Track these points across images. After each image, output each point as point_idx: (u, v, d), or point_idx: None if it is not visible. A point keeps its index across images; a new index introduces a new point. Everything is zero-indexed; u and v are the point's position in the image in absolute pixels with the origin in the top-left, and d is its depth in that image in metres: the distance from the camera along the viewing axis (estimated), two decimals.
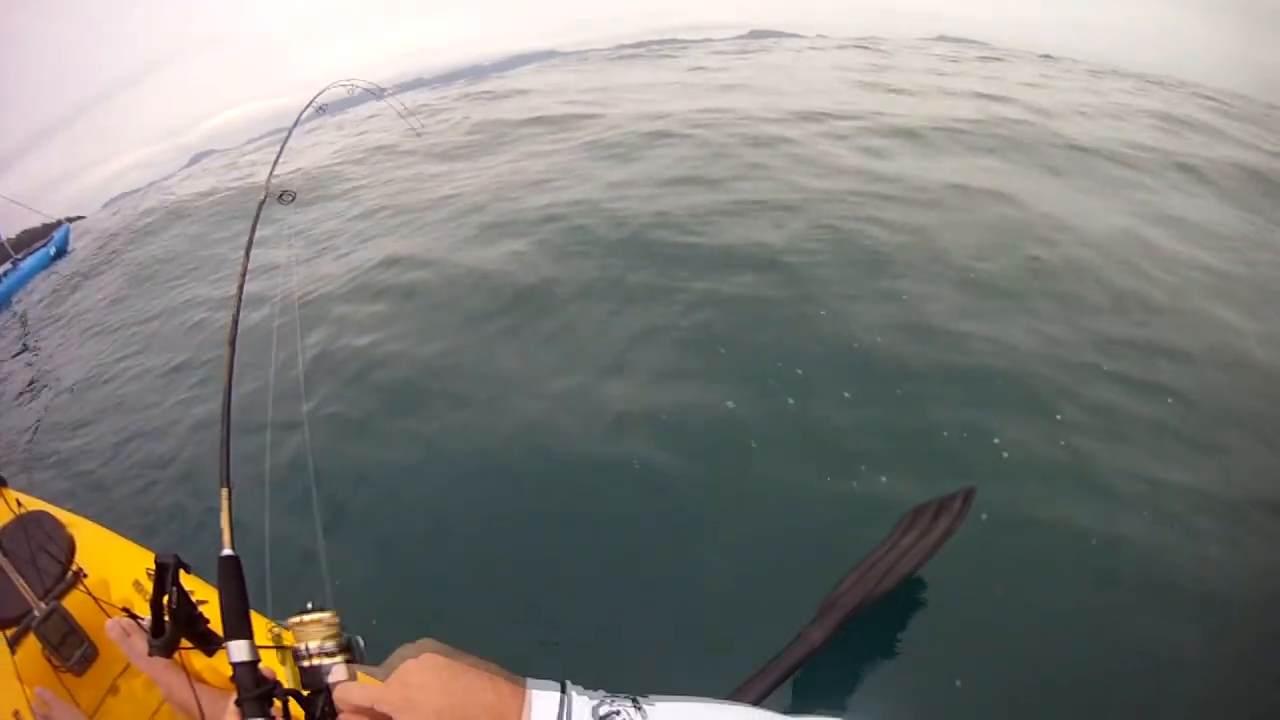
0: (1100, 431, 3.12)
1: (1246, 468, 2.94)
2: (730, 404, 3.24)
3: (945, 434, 3.08)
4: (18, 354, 5.71)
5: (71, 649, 1.79)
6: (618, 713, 0.59)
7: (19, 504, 2.41)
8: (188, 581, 1.78)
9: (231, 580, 1.08)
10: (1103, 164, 7.12)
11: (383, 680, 0.68)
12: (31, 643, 1.79)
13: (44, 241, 7.95)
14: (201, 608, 1.83)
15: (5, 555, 2.10)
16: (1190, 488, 2.82)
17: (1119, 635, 2.30)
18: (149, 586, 1.58)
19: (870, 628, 2.21)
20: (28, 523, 2.25)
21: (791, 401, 3.24)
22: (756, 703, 1.72)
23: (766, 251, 4.67)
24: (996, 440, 3.04)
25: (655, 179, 6.39)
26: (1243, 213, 6.21)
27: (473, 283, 4.68)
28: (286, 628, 0.83)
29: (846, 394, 3.27)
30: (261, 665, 0.88)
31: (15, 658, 1.76)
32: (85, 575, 2.03)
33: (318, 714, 0.79)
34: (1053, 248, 4.83)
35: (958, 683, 2.15)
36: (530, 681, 0.63)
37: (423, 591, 2.58)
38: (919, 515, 2.42)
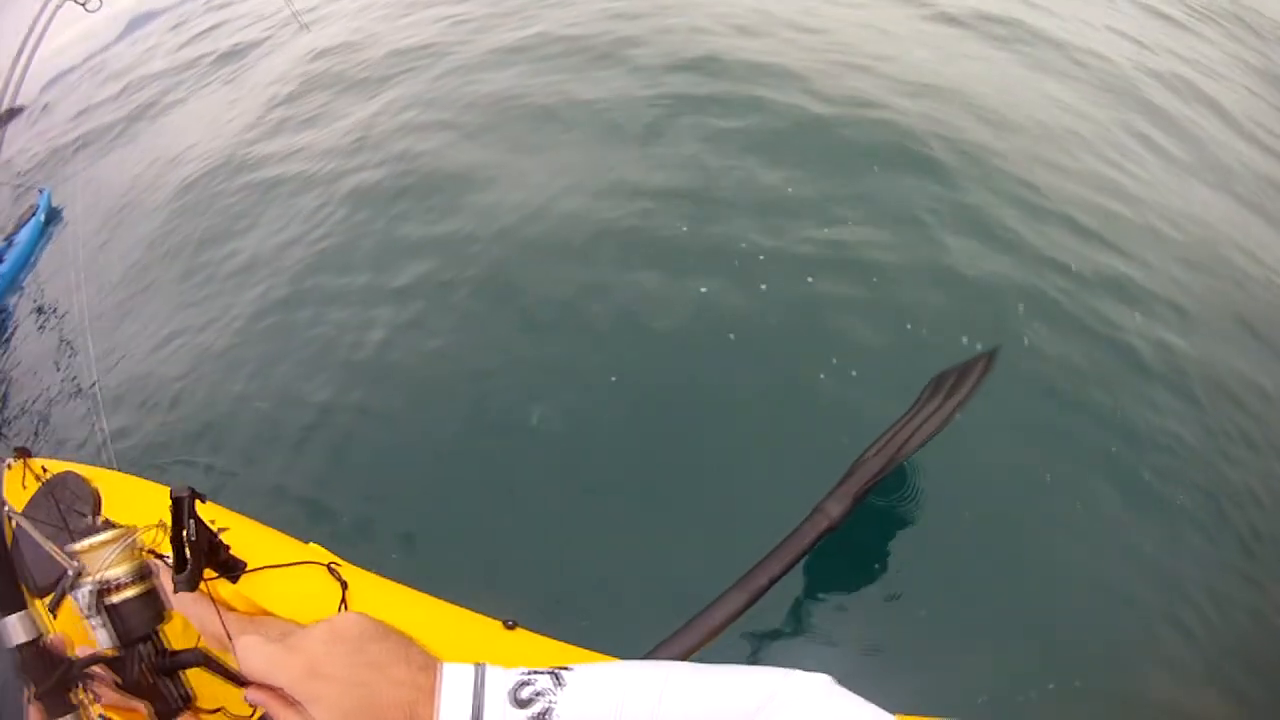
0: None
1: None
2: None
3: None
4: (39, 326, 5.78)
5: None
6: (540, 693, 0.53)
7: (44, 470, 2.40)
8: (207, 511, 1.66)
9: None
10: None
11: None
12: (70, 605, 1.77)
13: (31, 211, 7.67)
14: (222, 535, 1.74)
15: (35, 524, 2.07)
16: None
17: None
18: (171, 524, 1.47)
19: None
20: (53, 486, 2.21)
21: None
22: (771, 584, 1.60)
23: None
24: None
25: None
26: None
27: None
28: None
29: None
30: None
31: (56, 622, 1.74)
32: (112, 526, 1.98)
33: (134, 674, 0.65)
34: None
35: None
36: (445, 663, 0.56)
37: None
38: (941, 382, 2.21)
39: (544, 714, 0.52)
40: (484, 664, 0.55)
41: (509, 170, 3.94)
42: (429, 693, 0.53)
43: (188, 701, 0.69)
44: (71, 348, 5.09)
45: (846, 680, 0.57)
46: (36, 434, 4.01)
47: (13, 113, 8.72)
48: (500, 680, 0.54)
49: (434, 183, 4.10)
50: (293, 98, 6.47)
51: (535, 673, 0.55)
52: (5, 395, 5.14)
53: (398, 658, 0.54)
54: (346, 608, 1.56)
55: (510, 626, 1.41)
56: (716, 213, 3.25)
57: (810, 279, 2.87)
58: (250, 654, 0.56)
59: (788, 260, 2.96)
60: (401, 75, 5.79)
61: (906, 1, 5.73)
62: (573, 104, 4.38)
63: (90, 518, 2.03)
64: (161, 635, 0.68)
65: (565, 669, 0.55)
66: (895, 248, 3.03)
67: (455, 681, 0.53)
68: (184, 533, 1.46)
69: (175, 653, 0.69)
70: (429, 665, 0.55)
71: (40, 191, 7.84)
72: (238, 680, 0.58)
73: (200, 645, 1.41)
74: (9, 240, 7.17)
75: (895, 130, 3.72)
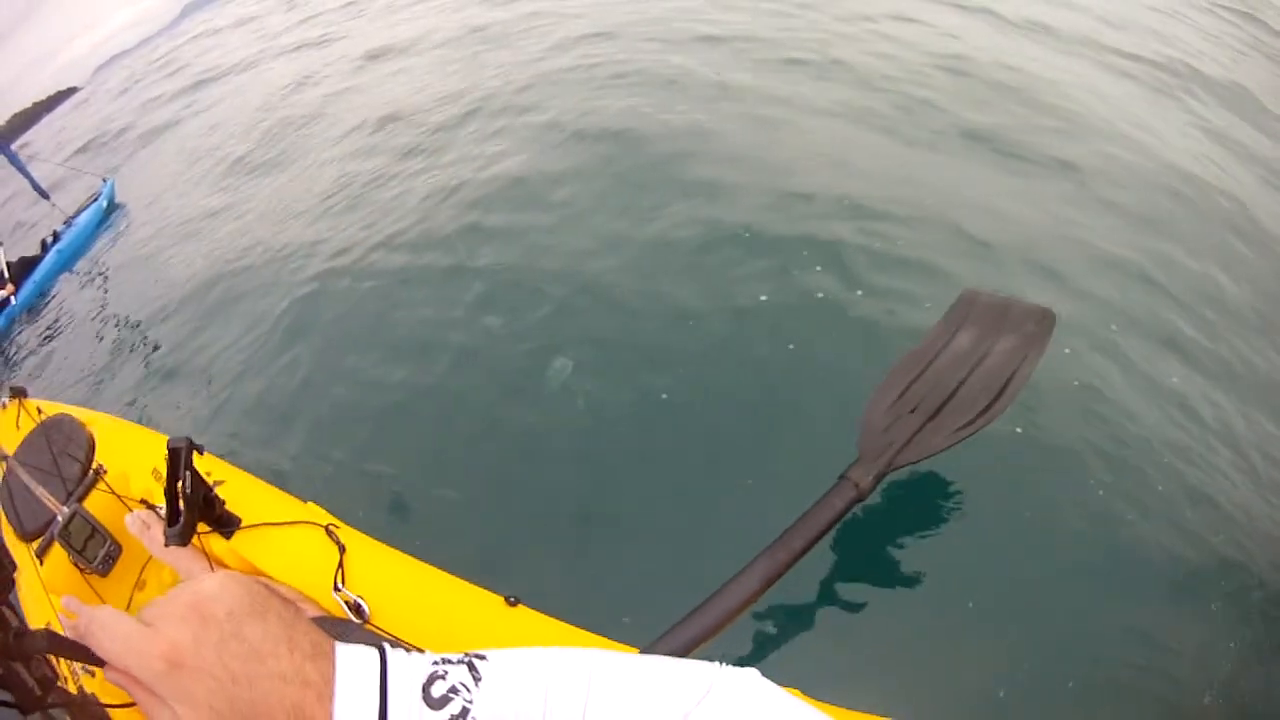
0: None
1: None
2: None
3: None
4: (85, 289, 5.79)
5: (95, 550, 1.69)
6: (454, 689, 0.45)
7: (39, 411, 2.34)
8: (204, 463, 1.58)
9: None
10: None
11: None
12: (58, 551, 1.71)
13: (93, 197, 7.84)
14: (218, 488, 1.67)
15: (27, 467, 2.02)
16: None
17: None
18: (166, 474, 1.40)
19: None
20: (48, 429, 2.15)
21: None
22: (794, 561, 1.49)
23: None
24: None
25: None
26: None
27: None
28: None
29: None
30: None
31: (42, 569, 1.68)
32: (105, 472, 1.91)
33: None
34: None
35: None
36: (340, 646, 0.46)
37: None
38: (975, 305, 1.99)
39: (460, 716, 0.44)
40: (385, 647, 0.46)
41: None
42: (321, 690, 0.43)
43: (50, 685, 0.57)
44: (101, 307, 5.12)
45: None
46: (41, 377, 3.98)
47: (68, 93, 9.14)
48: (409, 672, 0.45)
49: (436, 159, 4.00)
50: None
51: (448, 661, 0.47)
52: (21, 337, 5.17)
53: (281, 643, 0.44)
54: (344, 572, 1.49)
55: (512, 603, 1.33)
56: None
57: (859, 290, 2.74)
58: (102, 634, 0.45)
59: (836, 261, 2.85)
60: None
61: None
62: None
63: (84, 463, 1.97)
64: (6, 610, 0.55)
65: (480, 657, 0.48)
66: (957, 257, 2.92)
67: (354, 675, 0.44)
68: (179, 485, 1.39)
69: (21, 634, 0.55)
70: (320, 651, 0.45)
71: (104, 180, 8.09)
72: (97, 661, 0.46)
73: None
74: (69, 222, 7.38)
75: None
